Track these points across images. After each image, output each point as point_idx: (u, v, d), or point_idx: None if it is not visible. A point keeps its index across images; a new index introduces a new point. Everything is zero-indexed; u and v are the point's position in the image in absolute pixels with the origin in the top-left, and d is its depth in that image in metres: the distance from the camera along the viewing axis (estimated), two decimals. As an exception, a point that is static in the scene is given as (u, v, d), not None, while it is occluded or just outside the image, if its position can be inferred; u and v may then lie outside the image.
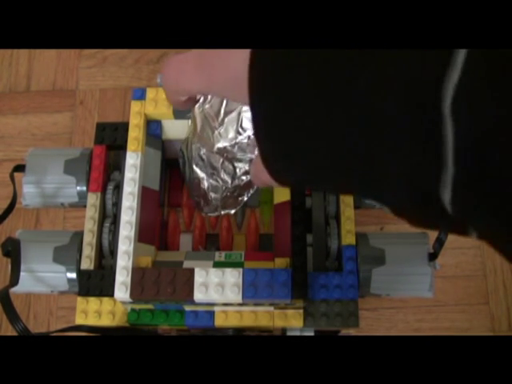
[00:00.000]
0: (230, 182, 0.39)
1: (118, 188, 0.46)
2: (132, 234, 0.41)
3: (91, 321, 0.42)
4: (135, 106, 0.45)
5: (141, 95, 0.45)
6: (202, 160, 0.39)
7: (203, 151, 0.39)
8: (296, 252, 0.40)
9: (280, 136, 0.22)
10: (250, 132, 0.36)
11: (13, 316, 0.40)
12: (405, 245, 0.44)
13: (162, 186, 0.46)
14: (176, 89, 0.28)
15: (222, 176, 0.39)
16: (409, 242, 0.45)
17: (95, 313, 0.42)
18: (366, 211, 0.48)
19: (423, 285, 0.44)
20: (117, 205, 0.45)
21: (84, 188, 0.46)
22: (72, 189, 0.47)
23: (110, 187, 0.46)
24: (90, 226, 0.44)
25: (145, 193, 0.43)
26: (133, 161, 0.43)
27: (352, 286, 0.42)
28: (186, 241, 0.49)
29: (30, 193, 0.47)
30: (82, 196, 0.47)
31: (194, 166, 0.40)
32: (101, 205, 0.45)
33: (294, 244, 0.41)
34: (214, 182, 0.40)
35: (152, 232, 0.44)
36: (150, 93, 0.45)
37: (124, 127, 0.46)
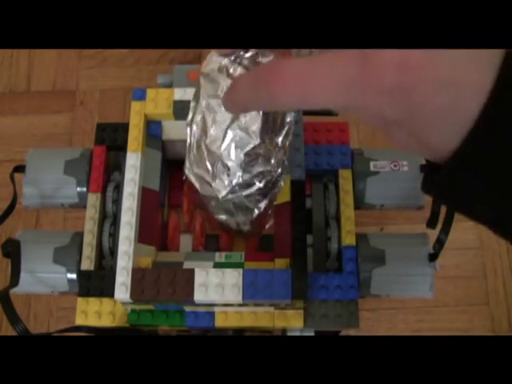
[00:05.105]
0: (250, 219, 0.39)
1: (118, 188, 0.46)
2: (132, 234, 0.41)
3: (91, 321, 0.42)
4: (135, 107, 0.45)
5: (141, 96, 0.45)
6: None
7: (213, 203, 0.38)
8: (296, 253, 0.40)
9: None
10: (239, 173, 0.34)
11: (13, 316, 0.40)
12: (405, 245, 0.44)
13: (162, 187, 0.46)
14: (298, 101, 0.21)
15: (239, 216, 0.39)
16: (409, 243, 0.45)
17: (95, 313, 0.42)
18: (366, 212, 0.48)
19: (423, 285, 0.44)
20: (117, 205, 0.45)
21: (84, 188, 0.46)
22: (72, 189, 0.47)
23: (110, 188, 0.46)
24: (90, 227, 0.44)
25: (145, 193, 0.43)
26: (133, 161, 0.43)
27: (352, 286, 0.42)
28: (186, 241, 0.49)
29: (30, 193, 0.47)
30: (82, 196, 0.47)
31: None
32: (101, 205, 0.45)
33: (294, 245, 0.41)
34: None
35: (152, 233, 0.44)
36: (150, 93, 0.45)
37: (124, 128, 0.46)
